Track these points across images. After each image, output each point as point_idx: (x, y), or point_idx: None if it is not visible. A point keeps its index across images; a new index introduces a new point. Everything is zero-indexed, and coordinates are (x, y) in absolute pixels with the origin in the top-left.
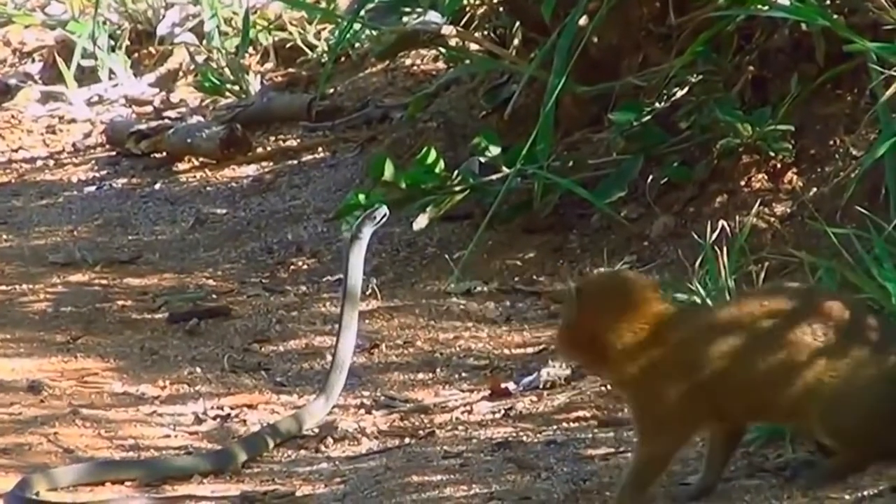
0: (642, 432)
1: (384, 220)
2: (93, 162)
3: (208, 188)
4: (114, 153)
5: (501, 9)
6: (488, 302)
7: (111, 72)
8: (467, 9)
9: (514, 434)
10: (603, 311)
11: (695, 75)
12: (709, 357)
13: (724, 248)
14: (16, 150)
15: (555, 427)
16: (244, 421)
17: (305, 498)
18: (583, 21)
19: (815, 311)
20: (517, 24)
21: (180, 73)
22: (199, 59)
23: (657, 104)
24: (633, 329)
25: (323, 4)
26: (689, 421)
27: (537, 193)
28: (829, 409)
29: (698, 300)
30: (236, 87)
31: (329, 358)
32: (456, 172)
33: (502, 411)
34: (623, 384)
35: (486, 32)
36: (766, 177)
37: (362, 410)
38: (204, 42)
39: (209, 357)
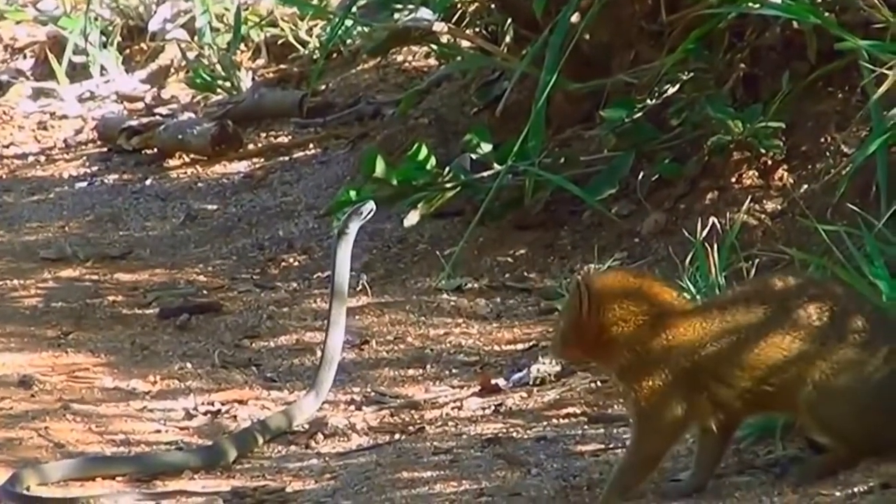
0: (639, 429)
1: (371, 215)
2: (84, 158)
3: (199, 184)
4: (105, 149)
5: (493, 5)
6: (479, 298)
7: (102, 68)
8: (459, 5)
9: (504, 430)
10: (614, 307)
11: (686, 72)
12: (709, 348)
13: (715, 245)
14: (7, 146)
15: (545, 423)
16: (234, 416)
17: (295, 494)
18: (575, 18)
19: (811, 304)
20: (509, 20)
21: (172, 70)
22: (191, 55)
23: (648, 101)
24: (642, 323)
25: (315, 1)
26: (689, 415)
27: (528, 190)
28: (819, 403)
29: (688, 296)
30: (227, 84)
31: (319, 354)
32: (447, 169)
33: (492, 407)
34: (626, 378)
35: (477, 29)
36: (756, 174)
37: (352, 406)
38: (195, 38)
39: (200, 352)
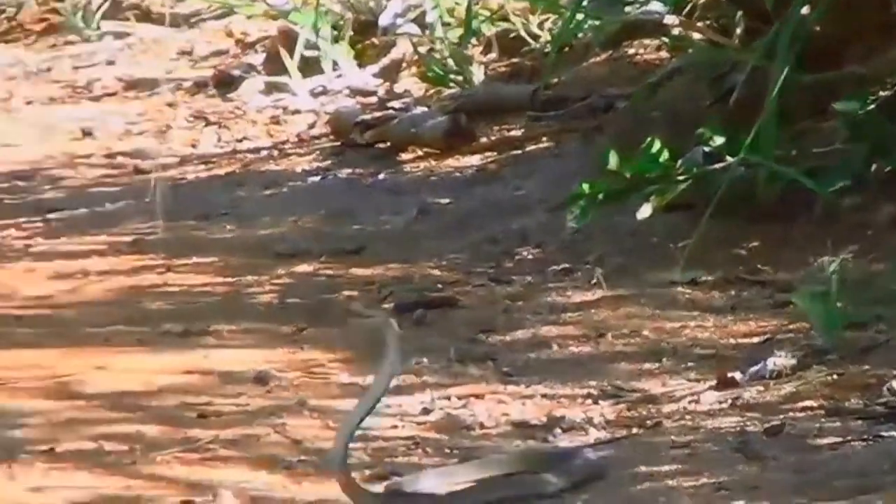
0: None
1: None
2: (317, 152)
3: (432, 178)
4: (338, 143)
5: None
6: (713, 291)
7: (334, 62)
8: None
9: (741, 424)
10: None
11: None
12: None
13: None
14: (240, 141)
15: (781, 416)
16: (472, 412)
17: None
18: (806, 9)
19: None
20: (739, 13)
21: (403, 64)
22: (422, 49)
23: (882, 93)
24: None
25: None
26: None
27: (761, 183)
28: None
29: None
30: (460, 78)
31: (556, 347)
32: (680, 162)
33: (729, 401)
34: None
35: (708, 22)
36: None
37: (589, 400)
38: (426, 33)
39: (435, 347)
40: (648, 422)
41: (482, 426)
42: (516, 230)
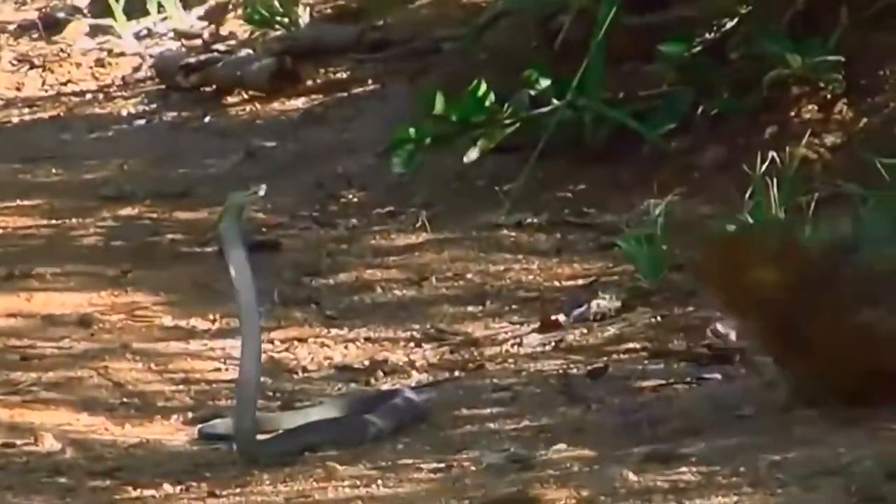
0: None
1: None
2: (142, 95)
3: (258, 121)
4: (163, 87)
5: None
6: (539, 234)
7: (160, 5)
8: None
9: (565, 366)
10: None
11: (745, 6)
12: None
13: (775, 180)
14: (64, 84)
15: (605, 359)
16: (294, 355)
17: None
18: None
19: None
20: None
21: (229, 6)
22: None
23: (707, 35)
24: None
25: None
26: None
27: (588, 125)
28: None
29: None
30: (286, 20)
31: (380, 291)
32: (506, 105)
33: (552, 343)
34: None
35: None
36: (816, 107)
37: (412, 343)
38: None
39: (260, 290)
40: (471, 365)
41: (305, 370)
42: (342, 173)
